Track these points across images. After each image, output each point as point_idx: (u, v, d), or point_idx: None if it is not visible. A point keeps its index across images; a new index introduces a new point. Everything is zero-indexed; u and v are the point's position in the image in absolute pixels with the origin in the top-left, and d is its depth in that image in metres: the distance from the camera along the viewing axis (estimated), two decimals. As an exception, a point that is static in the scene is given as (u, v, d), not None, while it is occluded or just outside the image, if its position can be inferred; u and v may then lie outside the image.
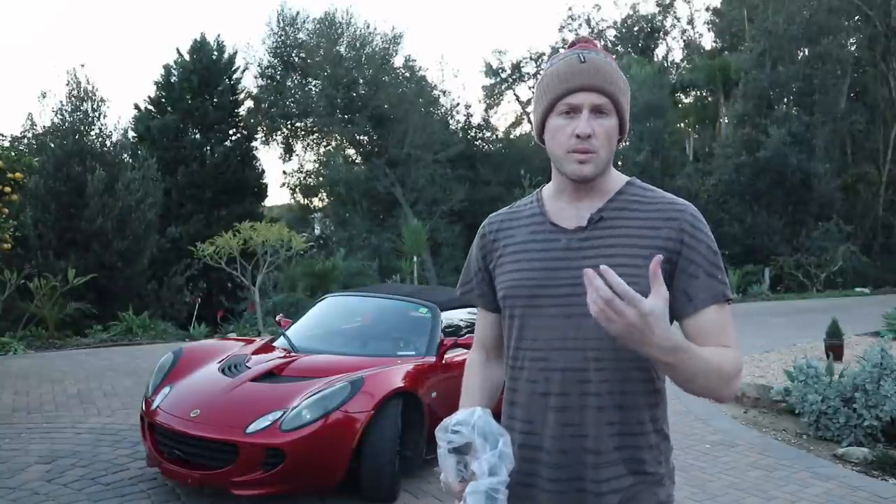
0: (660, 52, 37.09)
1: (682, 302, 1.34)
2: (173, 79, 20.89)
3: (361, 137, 26.04)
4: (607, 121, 1.34)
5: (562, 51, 1.45)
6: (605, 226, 1.37)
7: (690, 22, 42.20)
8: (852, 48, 27.52)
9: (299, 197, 29.36)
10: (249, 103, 24.55)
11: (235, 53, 21.96)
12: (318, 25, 25.61)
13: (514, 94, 34.45)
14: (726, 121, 29.23)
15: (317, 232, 25.51)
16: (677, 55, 37.60)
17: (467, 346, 4.30)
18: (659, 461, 1.38)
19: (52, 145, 14.40)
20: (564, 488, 1.35)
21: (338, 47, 25.19)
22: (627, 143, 26.71)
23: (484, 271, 1.53)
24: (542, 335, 1.38)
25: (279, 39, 25.97)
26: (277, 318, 5.48)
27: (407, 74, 26.60)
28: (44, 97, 22.20)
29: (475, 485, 1.18)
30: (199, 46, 20.95)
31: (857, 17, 27.13)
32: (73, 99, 14.52)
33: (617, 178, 1.44)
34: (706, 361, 1.23)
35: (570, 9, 56.99)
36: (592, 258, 1.34)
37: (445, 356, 4.43)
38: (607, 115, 1.34)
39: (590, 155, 1.34)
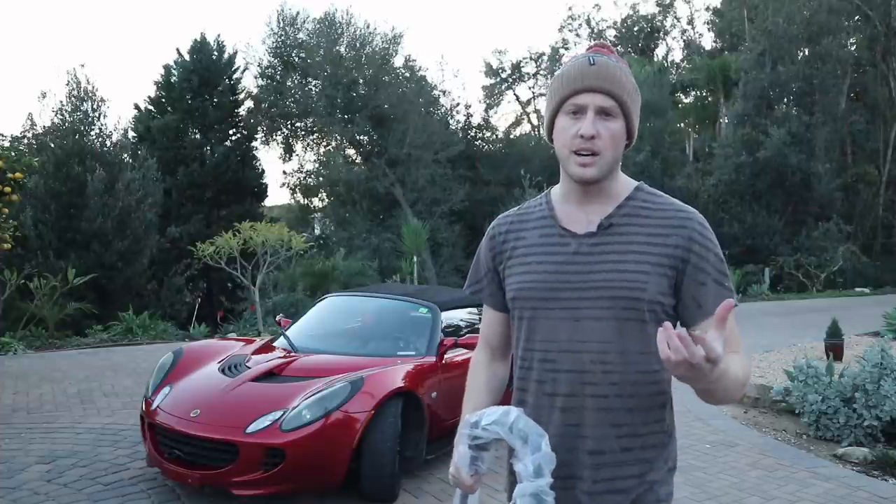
0: (660, 52, 37.18)
1: (692, 309, 1.36)
2: (173, 79, 20.90)
3: (361, 137, 26.01)
4: (613, 123, 1.35)
5: (578, 52, 1.46)
6: (614, 232, 1.38)
7: (690, 22, 42.27)
8: (852, 48, 27.51)
9: (299, 197, 29.35)
10: (249, 103, 24.54)
11: (235, 53, 21.99)
12: (318, 25, 25.58)
13: (514, 94, 34.53)
14: (726, 121, 29.22)
15: (317, 232, 25.51)
16: (677, 55, 37.68)
17: (467, 346, 4.35)
18: (665, 459, 1.40)
19: (52, 145, 14.41)
20: (566, 485, 1.36)
21: (338, 47, 25.16)
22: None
23: (493, 272, 1.54)
24: (551, 337, 1.39)
25: (279, 39, 25.94)
26: (277, 318, 5.48)
27: (407, 74, 26.57)
28: (44, 97, 22.18)
29: (523, 487, 1.17)
30: (199, 46, 20.96)
31: (857, 17, 27.13)
32: (73, 99, 14.53)
33: (626, 183, 1.44)
34: (734, 376, 1.25)
35: (570, 9, 57.26)
36: (602, 263, 1.36)
37: (445, 356, 4.44)
38: (613, 118, 1.35)
39: (593, 157, 1.34)
